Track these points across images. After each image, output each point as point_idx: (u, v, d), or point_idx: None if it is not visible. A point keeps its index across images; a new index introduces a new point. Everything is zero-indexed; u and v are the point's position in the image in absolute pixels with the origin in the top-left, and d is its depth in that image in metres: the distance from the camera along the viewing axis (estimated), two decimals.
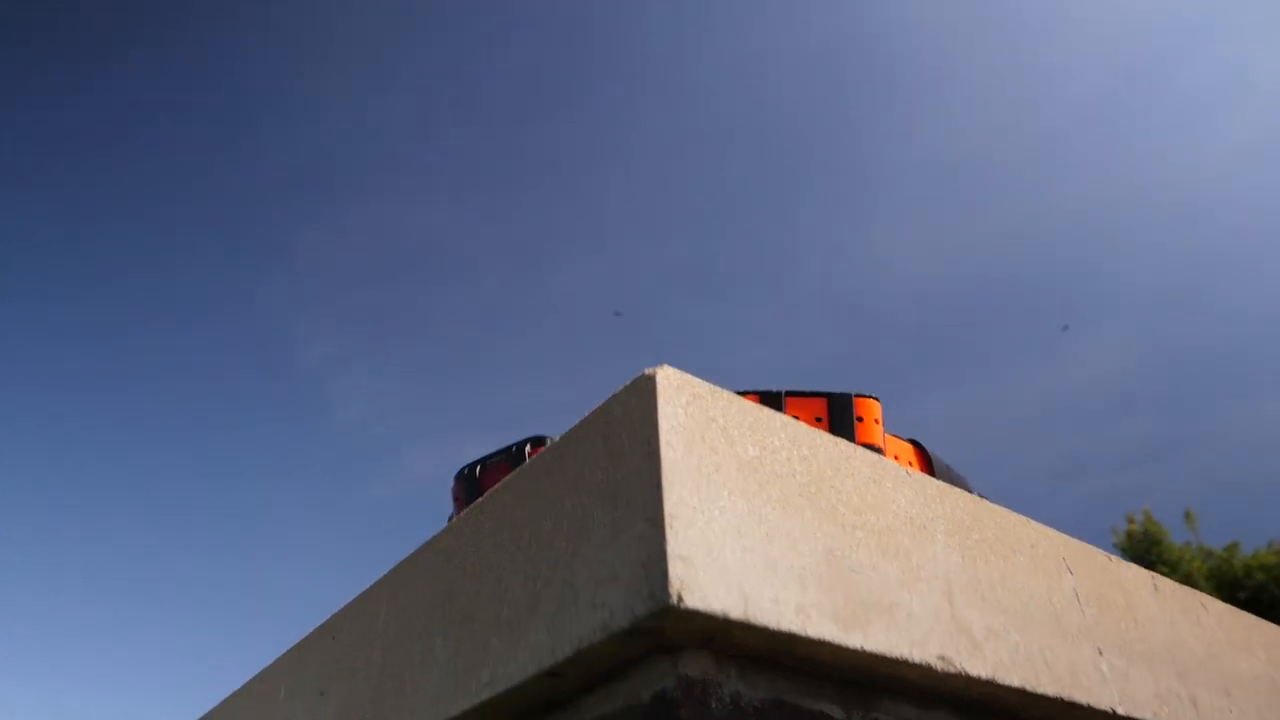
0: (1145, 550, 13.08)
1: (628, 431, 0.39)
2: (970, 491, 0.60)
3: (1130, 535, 13.41)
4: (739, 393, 0.52)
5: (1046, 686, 0.47)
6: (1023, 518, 0.54)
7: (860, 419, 0.50)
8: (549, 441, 0.54)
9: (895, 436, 0.54)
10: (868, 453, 0.47)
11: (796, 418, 0.51)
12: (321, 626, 0.61)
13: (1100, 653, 0.53)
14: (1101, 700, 0.50)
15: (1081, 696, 0.49)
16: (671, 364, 0.41)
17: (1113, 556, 0.60)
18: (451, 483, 0.55)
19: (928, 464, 0.56)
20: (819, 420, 0.51)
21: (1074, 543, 0.57)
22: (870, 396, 0.51)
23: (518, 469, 0.46)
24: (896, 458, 0.53)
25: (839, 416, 0.50)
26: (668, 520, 0.35)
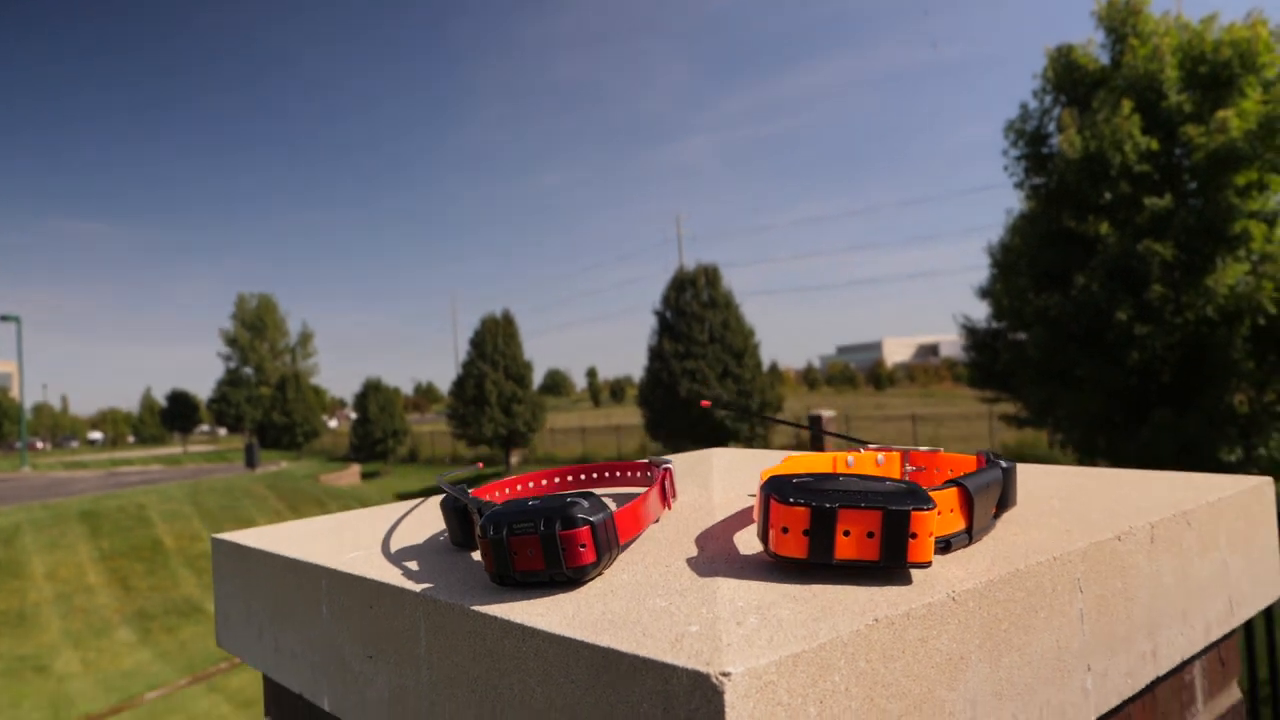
0: (1122, 21, 12.76)
1: None
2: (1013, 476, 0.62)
3: (1111, 5, 12.93)
4: (790, 500, 0.48)
5: None
6: (1049, 558, 0.55)
7: (915, 535, 0.48)
8: (579, 513, 0.51)
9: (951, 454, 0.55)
10: (918, 609, 0.46)
11: (848, 532, 0.49)
12: (367, 589, 0.63)
13: (1089, 669, 0.58)
14: None
15: None
16: None
17: (1124, 534, 0.62)
18: (478, 533, 0.53)
19: (987, 460, 0.59)
20: (871, 536, 0.48)
21: (1090, 551, 0.59)
22: (926, 509, 0.48)
23: (569, 647, 0.44)
24: (952, 471, 0.56)
25: (892, 532, 0.48)
26: None
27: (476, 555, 0.63)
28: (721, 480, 0.76)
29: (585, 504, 0.52)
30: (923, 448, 0.73)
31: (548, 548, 0.51)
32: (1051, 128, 13.73)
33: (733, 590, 0.48)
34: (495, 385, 34.27)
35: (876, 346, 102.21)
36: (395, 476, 37.75)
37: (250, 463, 32.47)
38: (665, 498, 0.65)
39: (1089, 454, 13.70)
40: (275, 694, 0.83)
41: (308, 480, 27.45)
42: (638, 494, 0.75)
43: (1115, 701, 0.61)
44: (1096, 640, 0.59)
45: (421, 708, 0.56)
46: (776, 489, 0.50)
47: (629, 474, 0.75)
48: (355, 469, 35.24)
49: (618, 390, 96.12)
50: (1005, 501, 0.62)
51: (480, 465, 0.99)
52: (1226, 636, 0.79)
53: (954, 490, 0.54)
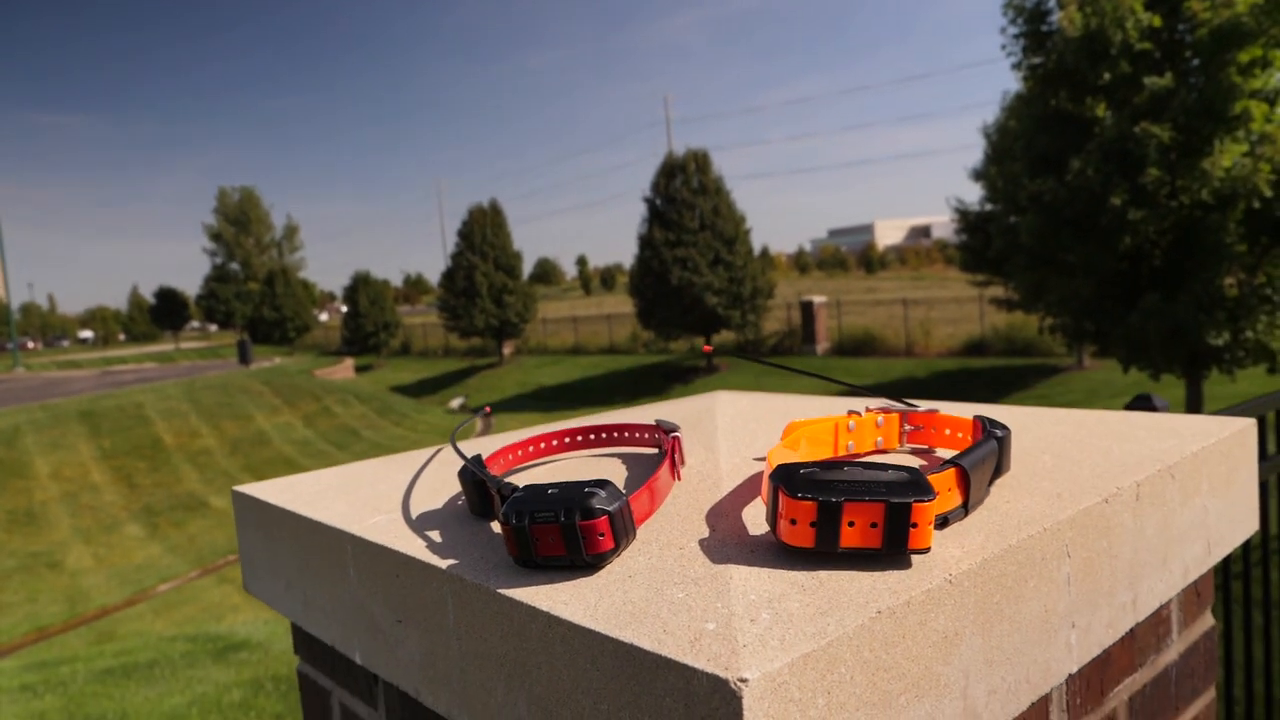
0: None
1: None
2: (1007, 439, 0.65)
3: None
4: (798, 494, 0.51)
5: (1023, 702, 0.58)
6: (1040, 528, 0.58)
7: (915, 525, 0.51)
8: (597, 503, 0.54)
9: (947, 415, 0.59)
10: (919, 599, 0.49)
11: (853, 523, 0.52)
12: (393, 560, 0.66)
13: (1073, 626, 0.62)
14: (1061, 675, 0.61)
15: (1047, 686, 0.60)
16: None
17: (1111, 496, 0.65)
18: (500, 521, 0.56)
19: (983, 428, 0.63)
20: (874, 526, 0.51)
21: (1078, 517, 0.62)
22: (926, 499, 0.51)
23: (590, 640, 0.48)
24: (949, 431, 0.60)
25: (894, 522, 0.51)
26: None
27: (496, 527, 0.66)
28: (726, 440, 0.78)
29: (602, 493, 0.55)
30: (921, 406, 0.76)
31: (568, 536, 0.54)
32: (1052, 4, 13.30)
33: (745, 580, 0.51)
34: (485, 276, 34.13)
35: (868, 229, 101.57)
36: (389, 369, 37.98)
37: (244, 359, 32.58)
38: (675, 470, 0.67)
39: (1078, 338, 13.84)
40: (304, 638, 0.88)
41: (302, 375, 27.64)
42: (645, 455, 0.78)
43: (1096, 652, 0.65)
44: (1081, 599, 0.63)
45: (453, 673, 0.61)
46: (785, 481, 0.52)
47: (636, 435, 0.78)
48: (349, 363, 35.42)
49: (608, 278, 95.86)
50: (999, 470, 0.65)
51: (488, 410, 1.01)
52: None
53: (951, 471, 0.57)
